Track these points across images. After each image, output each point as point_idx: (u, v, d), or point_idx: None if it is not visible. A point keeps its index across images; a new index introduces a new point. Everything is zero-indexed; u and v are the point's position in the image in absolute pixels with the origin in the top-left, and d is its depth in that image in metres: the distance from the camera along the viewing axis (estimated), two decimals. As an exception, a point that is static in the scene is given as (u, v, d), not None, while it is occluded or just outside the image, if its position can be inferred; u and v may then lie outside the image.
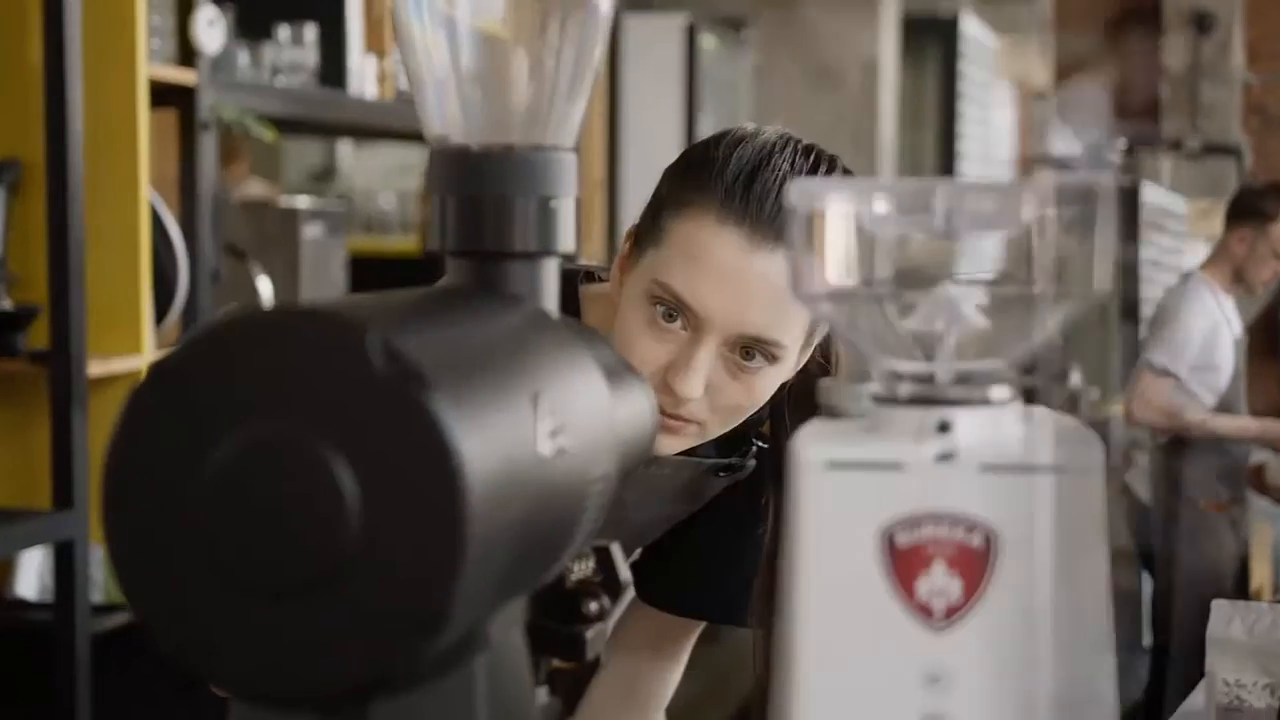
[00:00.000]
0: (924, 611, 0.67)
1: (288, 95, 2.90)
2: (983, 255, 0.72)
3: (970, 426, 0.68)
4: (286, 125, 3.08)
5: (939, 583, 0.66)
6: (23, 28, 2.38)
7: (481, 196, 0.79)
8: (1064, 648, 0.66)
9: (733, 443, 1.37)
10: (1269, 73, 9.80)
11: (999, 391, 0.69)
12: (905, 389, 0.70)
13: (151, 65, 2.49)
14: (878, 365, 0.71)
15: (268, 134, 2.71)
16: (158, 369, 0.61)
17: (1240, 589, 4.09)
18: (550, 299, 0.80)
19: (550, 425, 0.68)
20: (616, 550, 0.86)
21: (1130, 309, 7.08)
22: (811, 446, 0.68)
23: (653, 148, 4.82)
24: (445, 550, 0.59)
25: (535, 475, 0.66)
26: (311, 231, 2.90)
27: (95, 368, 2.36)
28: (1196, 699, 2.07)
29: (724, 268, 1.20)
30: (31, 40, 2.35)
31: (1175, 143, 7.00)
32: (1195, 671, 4.36)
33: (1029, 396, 0.70)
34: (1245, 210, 4.17)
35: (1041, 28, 9.85)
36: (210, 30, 2.58)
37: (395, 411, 0.59)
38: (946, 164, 7.44)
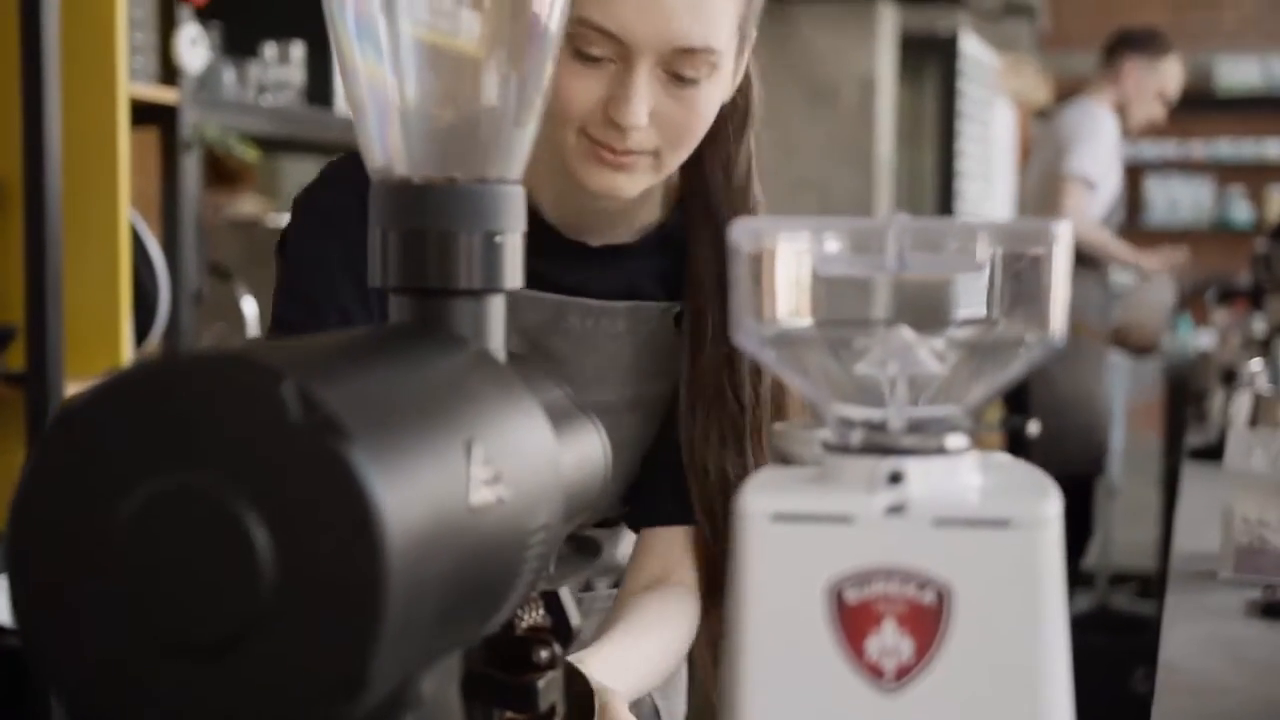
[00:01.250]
0: (874, 672, 0.64)
1: (273, 114, 2.87)
2: (939, 297, 0.69)
3: (923, 477, 0.65)
4: (274, 144, 3.06)
5: (889, 642, 0.64)
6: (1, 42, 2.36)
7: (424, 231, 0.76)
8: (1020, 710, 0.63)
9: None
10: None
11: (954, 440, 0.66)
12: (856, 436, 0.67)
13: (133, 84, 2.46)
14: (828, 411, 0.68)
15: (250, 153, 2.69)
16: (67, 412, 0.58)
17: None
18: (496, 337, 0.77)
19: (486, 474, 0.65)
20: (566, 594, 0.83)
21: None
22: (757, 497, 0.65)
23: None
24: (363, 610, 0.56)
25: (467, 527, 0.63)
26: (298, 250, 2.87)
27: (74, 389, 2.33)
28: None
29: None
30: (9, 57, 2.33)
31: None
32: (1073, 499, 4.34)
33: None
34: (1138, 44, 4.33)
35: (1041, 45, 9.84)
36: (193, 49, 2.55)
37: (311, 463, 0.56)
38: (945, 181, 7.42)
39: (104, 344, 2.40)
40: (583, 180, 1.23)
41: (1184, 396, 4.74)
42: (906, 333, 0.67)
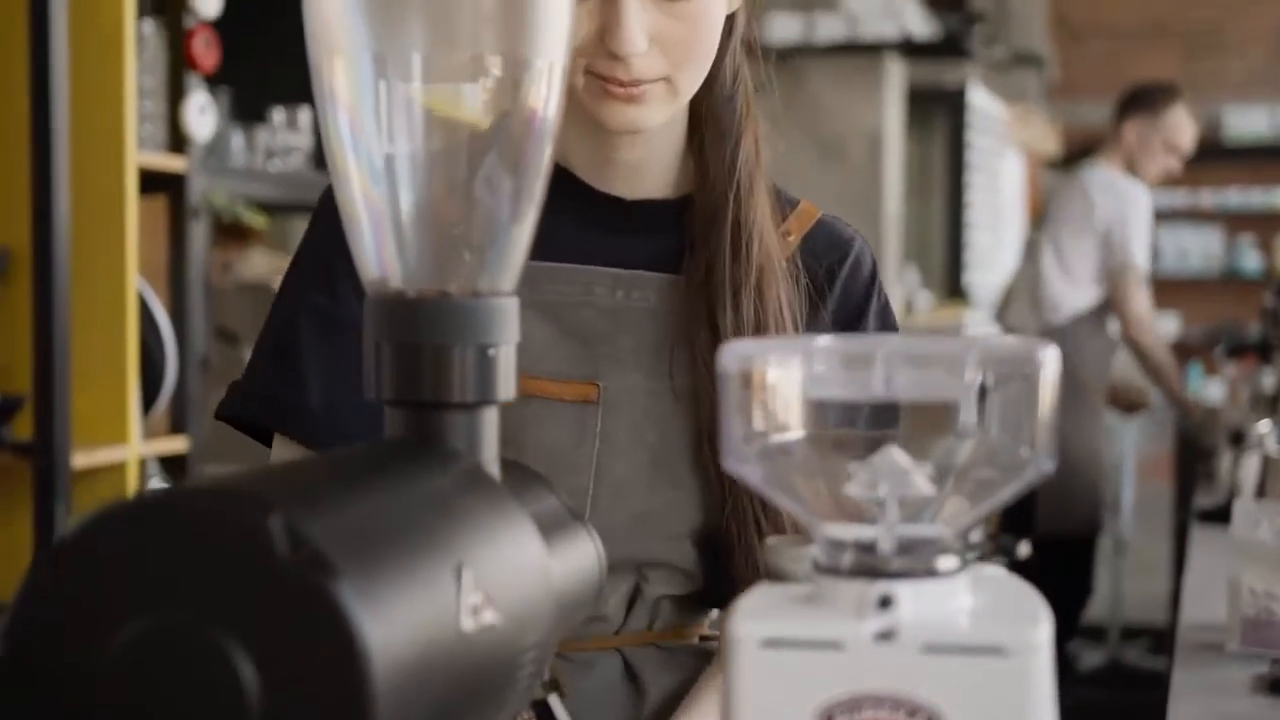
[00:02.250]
0: (864, 799, 0.63)
1: (280, 179, 2.89)
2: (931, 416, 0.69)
3: (914, 600, 0.65)
4: (282, 207, 3.07)
5: (880, 768, 0.63)
6: (11, 114, 2.37)
7: (418, 345, 0.76)
8: (1011, 838, 0.63)
9: None
10: None
11: (945, 561, 0.66)
12: (846, 559, 0.67)
13: (142, 153, 2.48)
14: (818, 531, 0.68)
15: (258, 220, 2.70)
16: (58, 549, 0.59)
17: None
18: (489, 449, 0.78)
19: (476, 599, 0.65)
20: (556, 703, 0.83)
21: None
22: (747, 622, 0.65)
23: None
24: (350, 747, 0.56)
25: (457, 654, 0.63)
26: (306, 313, 2.87)
27: (81, 459, 2.33)
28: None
29: None
30: (19, 127, 2.34)
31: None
32: (1065, 561, 4.30)
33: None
34: (1138, 102, 4.38)
35: (1050, 95, 9.87)
36: (201, 117, 2.57)
37: (299, 600, 0.56)
38: (954, 232, 7.43)
39: (111, 413, 2.40)
40: (601, 119, 1.17)
41: (1194, 452, 4.72)
42: (897, 454, 0.67)
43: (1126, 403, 4.73)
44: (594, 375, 1.19)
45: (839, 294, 1.27)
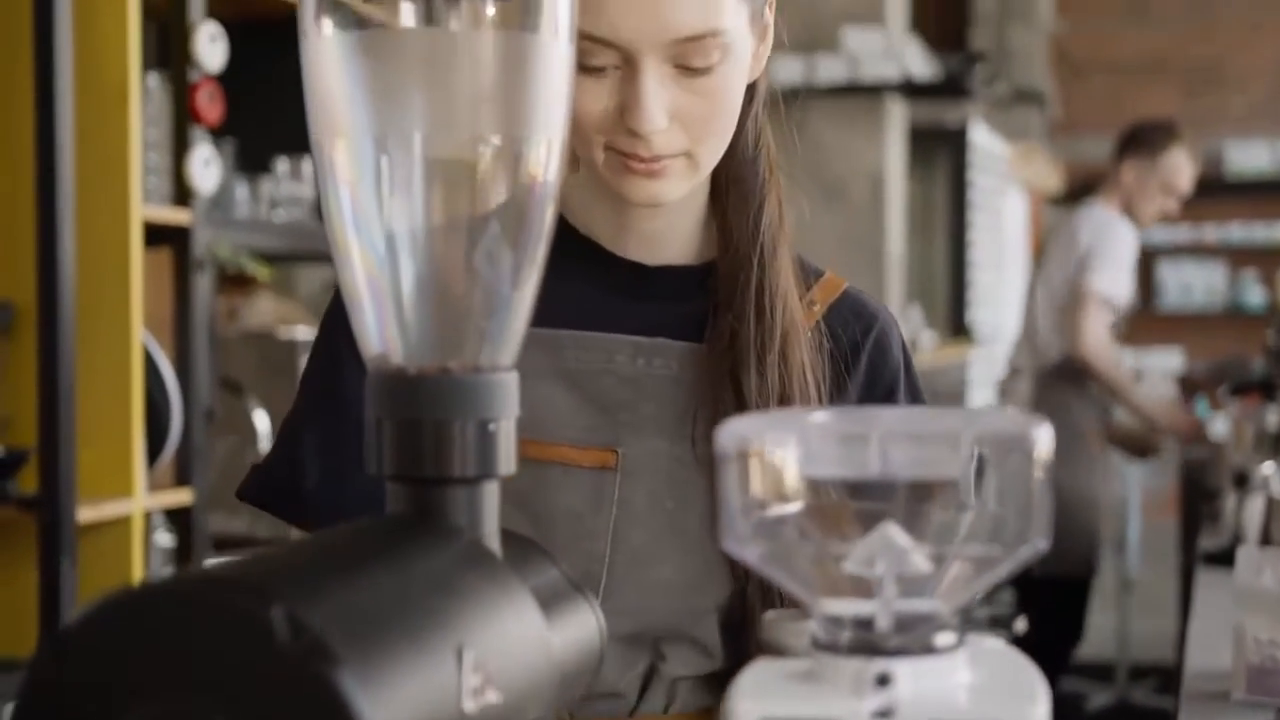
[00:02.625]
0: None
1: (285, 230, 2.90)
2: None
3: (912, 678, 0.65)
4: (287, 256, 3.09)
5: None
6: (16, 168, 2.39)
7: (419, 421, 0.77)
8: None
9: None
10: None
11: (943, 638, 0.67)
12: (844, 636, 0.67)
13: (146, 206, 2.49)
14: (816, 608, 0.68)
15: (262, 271, 2.72)
16: (59, 639, 0.59)
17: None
18: (490, 523, 0.78)
19: (477, 680, 0.66)
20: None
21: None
22: (746, 700, 0.65)
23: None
24: (352, 834, 0.56)
25: (458, 735, 0.63)
26: (311, 362, 2.89)
27: (86, 513, 2.34)
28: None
29: None
30: (25, 180, 2.36)
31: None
32: (1059, 602, 4.28)
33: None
34: (1136, 143, 4.36)
35: (1052, 132, 9.90)
36: (206, 170, 2.58)
37: (300, 689, 0.57)
38: (957, 271, 7.44)
39: (116, 466, 2.41)
40: (622, 194, 1.17)
41: (1199, 490, 4.71)
42: (894, 530, 0.68)
43: (1136, 447, 4.73)
44: (613, 442, 1.18)
45: (865, 369, 1.26)
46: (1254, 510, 2.87)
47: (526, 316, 0.81)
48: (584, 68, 1.12)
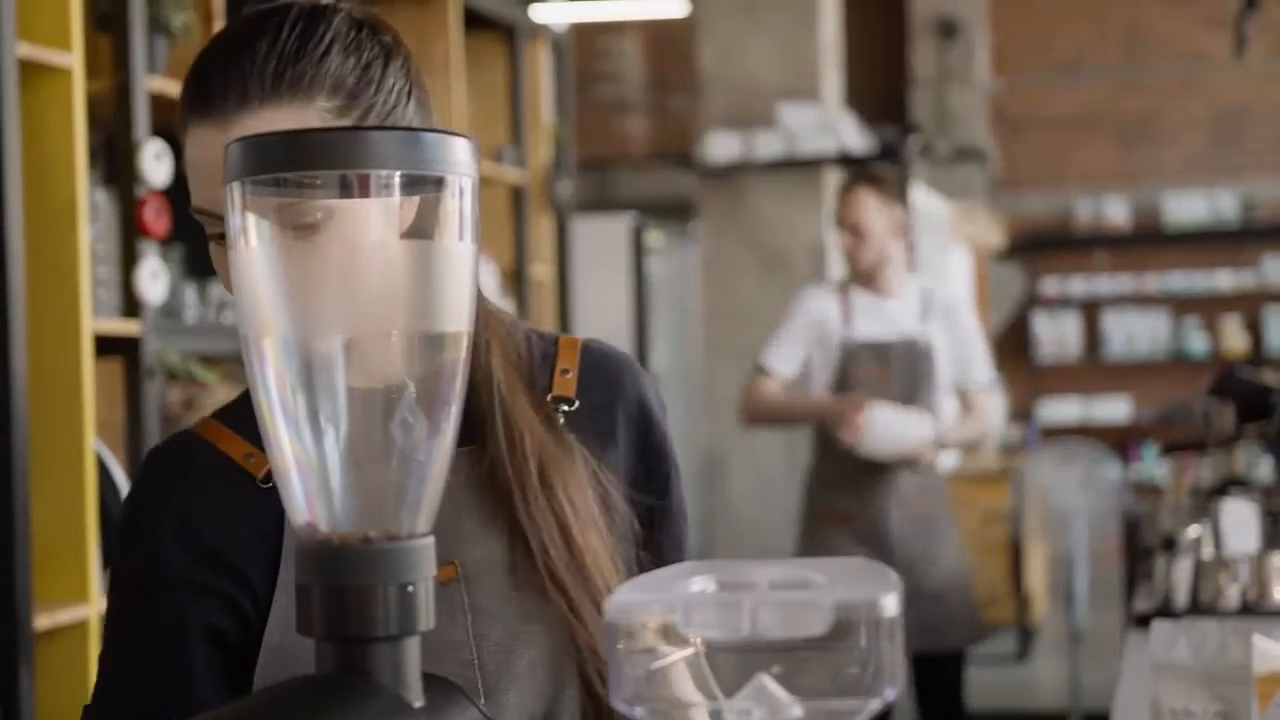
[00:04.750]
0: None
1: (233, 333, 2.98)
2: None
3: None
4: (236, 357, 3.17)
5: None
6: (-32, 285, 2.46)
7: (343, 586, 0.85)
8: None
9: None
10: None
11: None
12: (724, 780, 0.76)
13: (96, 319, 2.56)
14: (699, 755, 0.77)
15: (211, 377, 2.79)
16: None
17: None
18: (412, 674, 0.86)
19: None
20: None
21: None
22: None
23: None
24: None
25: None
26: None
27: (42, 620, 2.40)
28: None
29: (200, 162, 1.16)
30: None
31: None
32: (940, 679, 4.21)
33: None
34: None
35: (993, 188, 10.08)
36: (154, 282, 2.66)
37: None
38: (904, 330, 7.55)
39: (71, 574, 2.47)
40: None
41: (1137, 543, 4.81)
42: (768, 682, 0.76)
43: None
44: (450, 554, 1.22)
45: (623, 422, 1.31)
46: (1182, 573, 2.95)
47: (440, 482, 0.89)
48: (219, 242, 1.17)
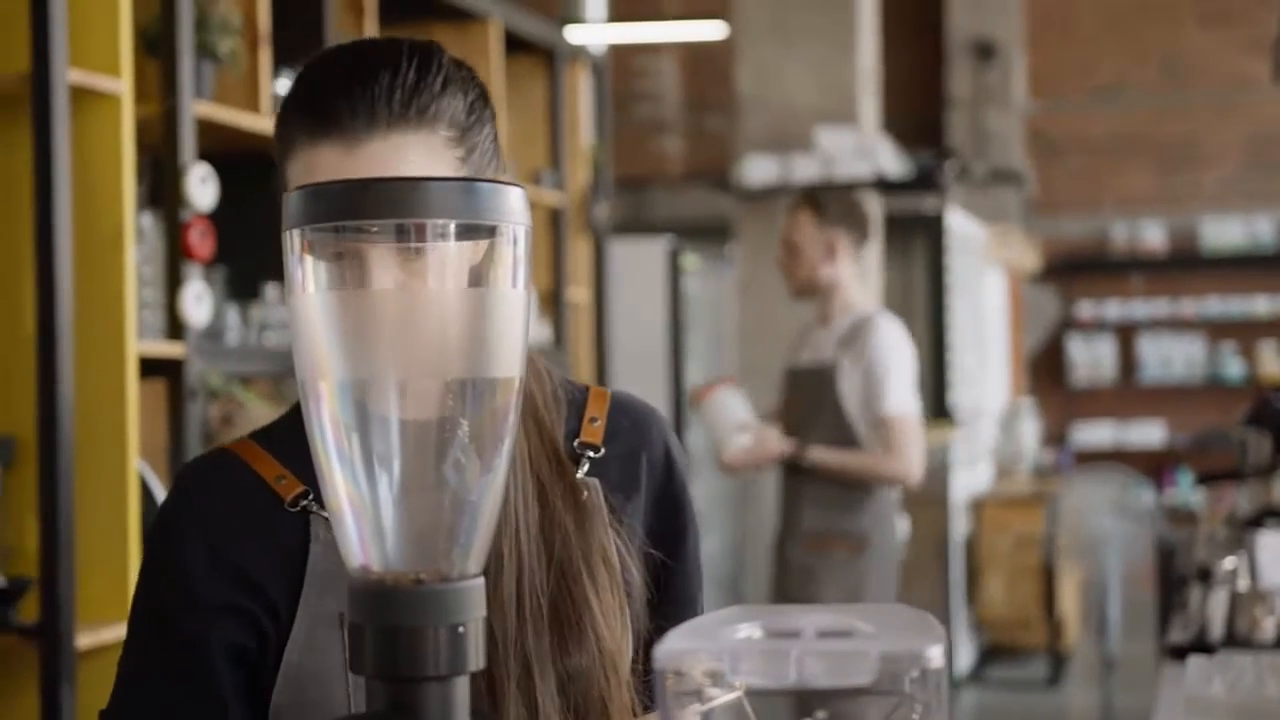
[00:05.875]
0: None
1: (275, 354, 3.01)
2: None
3: None
4: (278, 376, 3.20)
5: None
6: (16, 306, 2.49)
7: (396, 627, 0.87)
8: None
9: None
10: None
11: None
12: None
13: (141, 341, 2.59)
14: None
15: (252, 400, 2.82)
16: None
17: None
18: (461, 714, 0.88)
19: None
20: None
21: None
22: None
23: (640, 367, 4.96)
24: None
25: None
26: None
27: (85, 639, 2.42)
28: None
29: (328, 177, 1.16)
30: (25, 318, 2.46)
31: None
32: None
33: None
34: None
35: (1029, 211, 10.07)
36: (198, 304, 2.69)
37: None
38: (938, 353, 7.55)
39: (114, 593, 2.50)
40: None
41: (1172, 571, 4.80)
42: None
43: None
44: None
45: (646, 473, 1.32)
46: (1218, 605, 2.94)
47: (492, 523, 0.91)
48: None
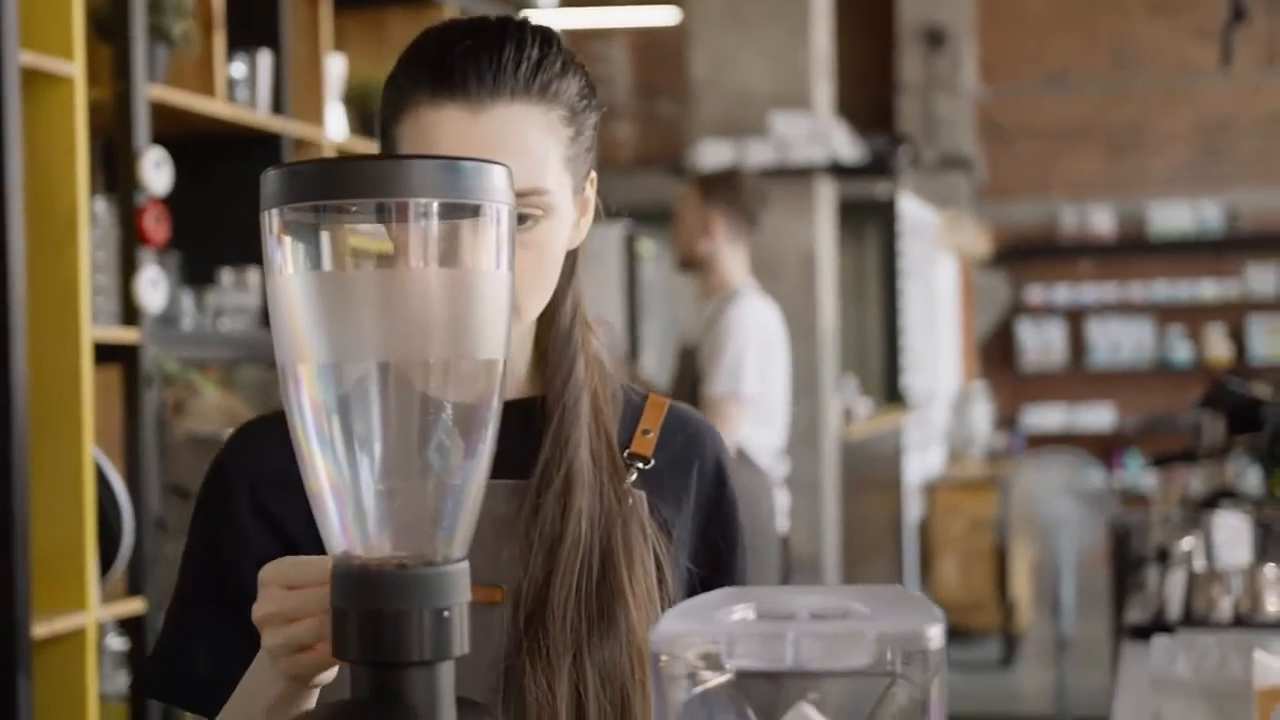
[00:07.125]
0: None
1: (230, 339, 2.98)
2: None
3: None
4: (233, 363, 3.17)
5: None
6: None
7: (380, 612, 0.85)
8: None
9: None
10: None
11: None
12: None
13: (96, 327, 2.56)
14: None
15: (208, 386, 2.79)
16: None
17: None
18: (446, 699, 0.87)
19: None
20: None
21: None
22: None
23: (595, 352, 4.94)
24: None
25: None
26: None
27: (40, 629, 2.39)
28: None
29: (449, 142, 1.17)
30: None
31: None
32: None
33: None
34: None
35: (979, 196, 10.11)
36: (153, 290, 2.66)
37: None
38: (890, 337, 7.58)
39: (70, 582, 2.47)
40: None
41: (1127, 554, 4.82)
42: (808, 710, 0.77)
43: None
44: (496, 579, 1.22)
45: (696, 485, 1.33)
46: (1176, 585, 2.95)
47: (476, 507, 0.90)
48: None
